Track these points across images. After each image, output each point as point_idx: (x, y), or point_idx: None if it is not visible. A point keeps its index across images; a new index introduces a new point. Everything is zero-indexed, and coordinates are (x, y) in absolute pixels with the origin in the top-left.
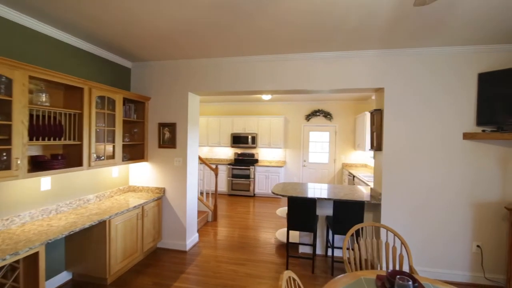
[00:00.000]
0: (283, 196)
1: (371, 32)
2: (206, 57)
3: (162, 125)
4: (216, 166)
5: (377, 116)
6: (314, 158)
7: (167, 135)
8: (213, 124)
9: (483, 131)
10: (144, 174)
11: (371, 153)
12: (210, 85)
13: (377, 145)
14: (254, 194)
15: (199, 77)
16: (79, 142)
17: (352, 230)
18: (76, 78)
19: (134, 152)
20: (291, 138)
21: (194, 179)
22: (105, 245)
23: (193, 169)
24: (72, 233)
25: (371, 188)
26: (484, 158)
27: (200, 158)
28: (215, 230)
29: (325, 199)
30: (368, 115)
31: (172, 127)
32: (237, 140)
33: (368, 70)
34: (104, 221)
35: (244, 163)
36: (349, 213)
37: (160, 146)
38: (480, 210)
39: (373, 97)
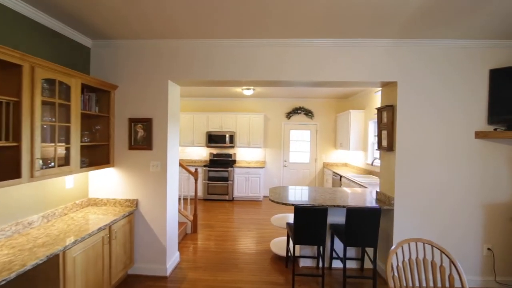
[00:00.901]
0: (286, 204)
1: (398, 18)
2: (193, 37)
3: (133, 121)
4: (196, 170)
5: (388, 113)
6: (295, 158)
7: (141, 133)
8: (186, 121)
9: (495, 129)
10: (109, 183)
11: (355, 152)
12: (197, 73)
13: (388, 145)
14: (233, 198)
15: (183, 62)
16: (15, 144)
17: (397, 247)
18: (10, 50)
19: (96, 155)
20: (271, 137)
21: (175, 187)
22: None
23: (174, 174)
24: (2, 283)
25: (377, 192)
26: (496, 158)
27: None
28: (197, 244)
29: (336, 206)
30: (353, 114)
31: (147, 123)
32: (213, 139)
33: (381, 62)
34: (57, 255)
35: (221, 164)
36: (364, 222)
37: (131, 148)
38: (490, 212)
39: (376, 93)
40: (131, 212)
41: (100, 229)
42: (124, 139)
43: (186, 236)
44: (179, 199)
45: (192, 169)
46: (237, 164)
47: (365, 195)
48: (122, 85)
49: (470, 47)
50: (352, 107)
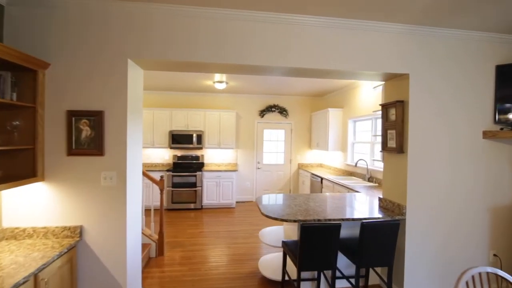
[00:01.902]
0: (285, 221)
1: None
2: (165, 2)
3: (75, 115)
4: (162, 178)
5: (398, 110)
6: (269, 159)
7: (86, 132)
8: (145, 118)
9: (501, 129)
10: (37, 205)
11: (331, 153)
12: (170, 50)
13: (397, 146)
14: (202, 206)
15: (149, 35)
16: None
17: (461, 280)
18: None
19: (16, 165)
20: (244, 136)
21: (138, 205)
22: None
23: (136, 188)
24: None
25: (380, 198)
26: (504, 159)
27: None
28: (165, 273)
29: (351, 220)
30: (331, 112)
31: (96, 119)
32: (178, 139)
33: (391, 51)
34: None
35: (187, 168)
36: (380, 238)
37: (71, 153)
38: (497, 215)
39: (375, 88)
40: (73, 246)
41: (17, 285)
42: (60, 140)
43: (151, 262)
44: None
45: (154, 175)
46: (206, 168)
47: (365, 202)
48: (57, 63)
49: (479, 40)
50: (328, 106)
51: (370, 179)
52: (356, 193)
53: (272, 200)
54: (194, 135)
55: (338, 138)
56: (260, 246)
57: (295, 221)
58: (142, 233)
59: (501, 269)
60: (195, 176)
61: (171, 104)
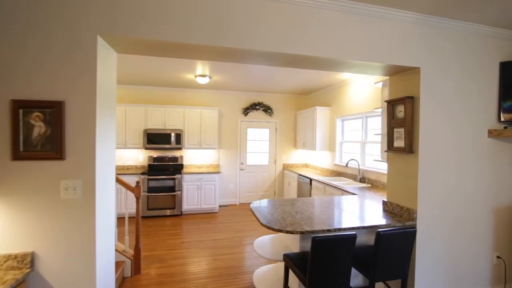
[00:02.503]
0: (292, 233)
1: None
2: None
3: (23, 106)
4: (138, 184)
5: (407, 106)
6: (253, 160)
7: (40, 129)
8: (116, 116)
9: (505, 128)
10: None
11: (317, 152)
12: (156, 27)
13: (407, 146)
14: (182, 211)
15: (129, 4)
16: None
17: None
18: None
19: None
20: (227, 136)
21: (111, 219)
22: None
23: (108, 199)
24: None
25: (385, 202)
26: (506, 159)
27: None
28: None
29: (366, 228)
30: (319, 111)
31: (53, 111)
32: (154, 138)
33: (402, 41)
34: None
35: (164, 170)
36: (396, 248)
37: (18, 157)
38: (499, 216)
39: (377, 84)
40: (20, 281)
41: None
42: (2, 140)
43: (125, 283)
44: None
45: (127, 180)
46: (185, 170)
47: (367, 206)
48: None
49: (485, 34)
50: (314, 104)
51: (362, 180)
52: (352, 196)
53: (270, 207)
54: (172, 134)
55: (325, 138)
56: (251, 256)
57: (302, 232)
58: (116, 250)
59: (505, 272)
60: (174, 179)
61: (146, 100)
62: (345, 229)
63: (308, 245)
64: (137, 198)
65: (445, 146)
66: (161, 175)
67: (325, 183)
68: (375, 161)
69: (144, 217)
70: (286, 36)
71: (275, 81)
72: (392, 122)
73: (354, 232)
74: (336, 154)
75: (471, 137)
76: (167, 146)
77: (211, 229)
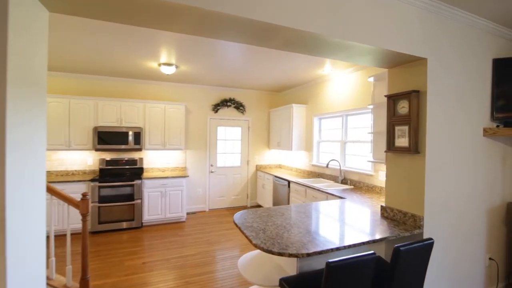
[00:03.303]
0: (296, 256)
1: None
2: None
3: None
4: (85, 197)
5: (412, 102)
6: (224, 161)
7: None
8: (56, 109)
9: (497, 126)
10: None
11: (291, 152)
12: None
13: (411, 145)
14: (142, 223)
15: None
16: None
17: None
18: None
19: None
20: (194, 135)
21: (39, 243)
22: None
23: (34, 217)
24: None
25: (382, 207)
26: (498, 158)
27: (48, 187)
28: None
29: (371, 242)
30: (295, 108)
31: None
32: (107, 138)
33: (411, 27)
34: None
35: (120, 175)
36: (413, 265)
37: None
38: (491, 217)
39: (370, 78)
40: None
41: None
42: None
43: None
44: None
45: (71, 189)
46: (147, 174)
47: (361, 212)
48: None
49: (480, 28)
50: (287, 102)
51: (343, 181)
52: (340, 200)
53: (258, 220)
54: (130, 133)
55: (302, 137)
56: (232, 275)
57: (308, 254)
58: (50, 285)
59: (498, 273)
60: (132, 185)
61: (98, 92)
62: (354, 246)
63: (306, 265)
64: (84, 216)
65: (448, 145)
66: (116, 181)
67: (306, 186)
68: (358, 161)
69: (94, 233)
70: (280, 4)
71: (248, 75)
72: (393, 119)
73: (372, 252)
74: (314, 154)
75: (470, 135)
76: (124, 146)
77: (179, 242)
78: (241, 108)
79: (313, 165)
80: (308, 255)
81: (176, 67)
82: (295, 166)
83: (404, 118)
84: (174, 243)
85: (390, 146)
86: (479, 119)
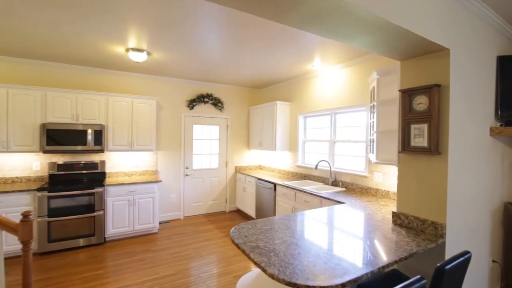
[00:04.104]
0: None
1: None
2: None
3: None
4: (28, 217)
5: (433, 97)
6: (200, 163)
7: None
8: None
9: (501, 125)
10: None
11: (277, 153)
12: None
13: (432, 145)
14: (105, 238)
15: None
16: None
17: None
18: None
19: None
20: (167, 134)
21: None
22: None
23: None
24: None
25: (394, 213)
26: (499, 157)
27: None
28: None
29: (405, 259)
30: (280, 106)
31: None
32: (58, 137)
33: (437, 13)
34: None
35: (76, 182)
36: (451, 283)
37: None
38: (494, 218)
39: (371, 78)
40: None
41: None
42: None
43: None
44: None
45: (10, 202)
46: (110, 180)
47: (372, 221)
48: None
49: (487, 21)
50: (268, 100)
51: (334, 183)
52: (339, 205)
53: (262, 237)
54: (89, 131)
55: (286, 137)
56: None
57: (343, 285)
58: None
59: (501, 276)
60: (92, 194)
61: (46, 81)
62: (387, 265)
63: None
64: (25, 244)
65: (467, 145)
66: (71, 190)
67: (295, 189)
68: (349, 162)
69: (43, 254)
70: None
71: (228, 69)
72: (408, 117)
73: (419, 276)
74: (299, 155)
75: (480, 134)
76: (81, 148)
77: (153, 260)
78: (219, 105)
79: (298, 166)
80: (343, 286)
81: (148, 54)
82: (278, 168)
83: (422, 115)
84: (147, 261)
85: (405, 146)
86: (486, 118)
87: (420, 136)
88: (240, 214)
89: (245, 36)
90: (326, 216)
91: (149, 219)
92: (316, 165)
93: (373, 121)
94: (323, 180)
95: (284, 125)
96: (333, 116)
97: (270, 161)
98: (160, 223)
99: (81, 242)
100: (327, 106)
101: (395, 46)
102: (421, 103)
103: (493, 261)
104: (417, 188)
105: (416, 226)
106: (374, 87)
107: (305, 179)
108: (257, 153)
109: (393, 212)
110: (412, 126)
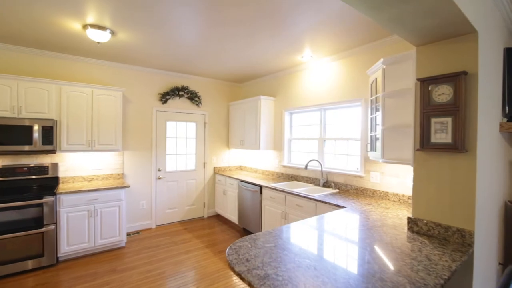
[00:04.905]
0: None
1: None
2: None
3: None
4: None
5: (459, 86)
6: (175, 164)
7: None
8: None
9: (508, 121)
10: None
11: (260, 152)
12: None
13: (456, 141)
14: (58, 259)
15: None
16: None
17: None
18: None
19: None
20: (135, 131)
21: None
22: None
23: None
24: None
25: (410, 219)
26: (502, 155)
27: None
28: None
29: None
30: (264, 101)
31: None
32: None
33: None
34: None
35: (19, 191)
36: None
37: None
38: (499, 218)
39: (370, 70)
40: None
41: None
42: None
43: None
44: None
45: None
46: (65, 187)
47: (386, 228)
48: None
49: (501, 11)
50: (249, 95)
51: (326, 184)
52: (341, 211)
53: (269, 260)
54: (36, 127)
55: (270, 134)
56: None
57: None
58: None
59: None
60: (41, 205)
61: None
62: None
63: None
64: None
65: (487, 140)
66: (12, 201)
67: (285, 192)
68: (341, 161)
69: None
70: None
71: (207, 59)
72: (428, 109)
73: None
74: (284, 154)
75: (494, 130)
76: (27, 148)
77: (119, 283)
78: (196, 99)
79: (284, 166)
80: None
81: (112, 33)
82: (261, 168)
83: (445, 107)
84: (113, 284)
85: (424, 143)
86: (498, 113)
87: (442, 131)
88: (221, 220)
89: (227, 18)
90: (332, 225)
91: (114, 232)
92: (306, 165)
93: (375, 116)
94: (312, 181)
95: (269, 122)
96: (322, 112)
97: (252, 161)
98: (129, 234)
99: (29, 264)
100: (316, 101)
101: (420, 26)
102: (443, 93)
103: (499, 263)
104: (438, 190)
105: (438, 234)
106: (377, 78)
107: (292, 180)
108: (238, 152)
109: (409, 218)
110: (433, 120)
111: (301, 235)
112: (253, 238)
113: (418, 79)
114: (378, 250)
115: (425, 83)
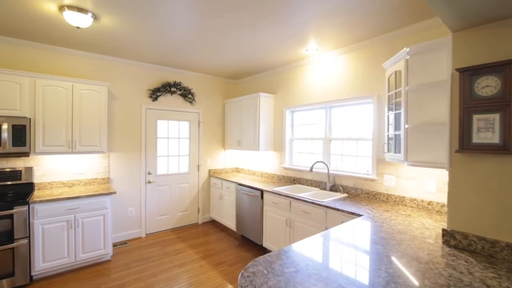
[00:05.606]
0: None
1: None
2: None
3: None
4: None
5: (508, 77)
6: (167, 167)
7: None
8: None
9: None
10: None
11: (259, 154)
12: None
13: (507, 141)
14: (32, 277)
15: None
16: None
17: None
18: None
19: None
20: (123, 131)
21: None
22: None
23: None
24: None
25: (446, 231)
26: None
27: None
28: None
29: None
30: (263, 98)
31: None
32: None
33: None
34: None
35: None
36: None
37: None
38: None
39: (385, 64)
40: None
41: None
42: None
43: None
44: None
45: None
46: (41, 194)
47: (416, 242)
48: None
49: None
50: (245, 92)
51: (333, 188)
52: (358, 219)
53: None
54: (5, 126)
55: (270, 134)
56: None
57: None
58: None
59: None
60: (11, 216)
61: None
62: None
63: None
64: None
65: None
66: None
67: (290, 197)
68: (350, 163)
69: None
70: None
71: (201, 52)
72: (469, 104)
73: None
74: (286, 155)
75: None
76: None
77: None
78: (189, 96)
79: (285, 169)
80: None
81: (94, 17)
82: (260, 170)
83: (492, 102)
84: None
85: (464, 144)
86: None
87: (487, 130)
88: (216, 226)
89: (225, 5)
90: (354, 238)
91: (99, 244)
92: (311, 167)
93: (394, 114)
94: (318, 185)
95: (268, 120)
96: (328, 110)
97: (250, 163)
98: (115, 245)
99: (5, 284)
100: (320, 98)
101: (465, 5)
102: (487, 85)
103: None
104: (482, 199)
105: (482, 250)
106: (397, 71)
107: (295, 183)
108: (234, 153)
109: (444, 230)
110: (475, 117)
111: (323, 252)
112: (268, 261)
113: (457, 69)
114: (418, 271)
115: (466, 74)
